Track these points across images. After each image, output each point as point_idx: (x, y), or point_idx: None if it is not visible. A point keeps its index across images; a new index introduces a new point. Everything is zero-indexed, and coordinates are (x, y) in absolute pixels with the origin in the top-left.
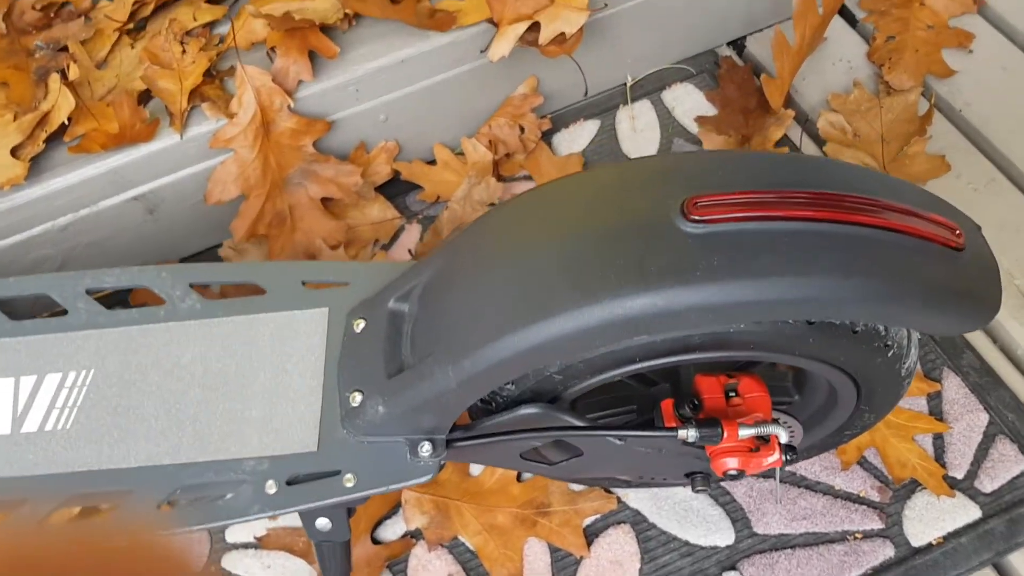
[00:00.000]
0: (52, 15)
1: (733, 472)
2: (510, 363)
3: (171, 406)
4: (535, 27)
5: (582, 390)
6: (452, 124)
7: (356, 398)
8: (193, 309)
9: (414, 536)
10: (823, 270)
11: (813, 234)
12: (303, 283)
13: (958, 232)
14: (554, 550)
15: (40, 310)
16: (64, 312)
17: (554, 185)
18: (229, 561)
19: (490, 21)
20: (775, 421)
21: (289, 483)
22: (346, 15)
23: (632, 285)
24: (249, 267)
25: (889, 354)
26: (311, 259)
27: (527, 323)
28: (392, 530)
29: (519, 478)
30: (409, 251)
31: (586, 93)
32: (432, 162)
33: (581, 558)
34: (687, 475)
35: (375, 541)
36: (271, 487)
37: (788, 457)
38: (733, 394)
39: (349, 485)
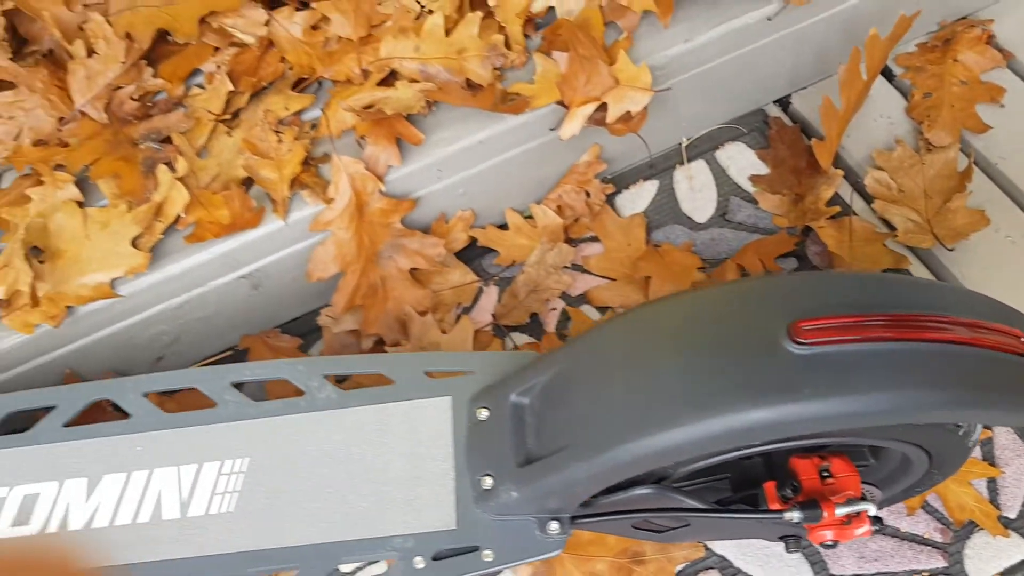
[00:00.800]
0: (150, 105)
1: (829, 543)
2: (636, 463)
3: (321, 489)
4: (602, 106)
5: (689, 472)
6: (522, 192)
7: (487, 482)
8: (330, 399)
9: None
10: (912, 384)
11: (902, 352)
12: (426, 373)
13: (1022, 339)
14: None
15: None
16: (213, 404)
17: (667, 301)
18: None
19: (559, 103)
20: (863, 498)
21: (435, 559)
22: (427, 101)
23: (748, 401)
24: (377, 359)
25: (960, 433)
26: (402, 325)
27: (653, 432)
28: None
29: None
30: (492, 315)
31: (650, 163)
32: (504, 226)
33: None
34: (781, 537)
35: None
36: (419, 562)
37: (876, 528)
38: (827, 474)
39: (488, 560)
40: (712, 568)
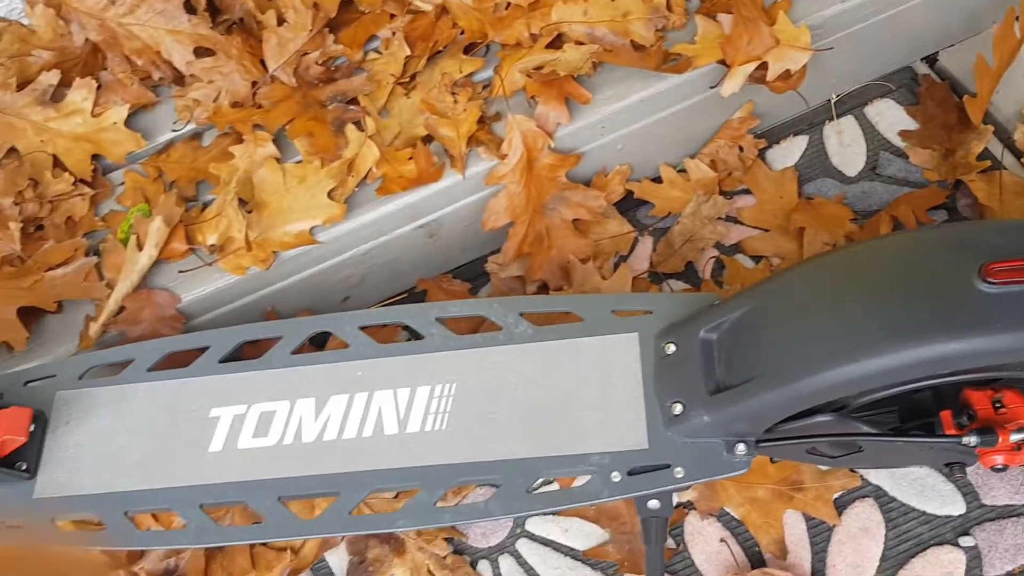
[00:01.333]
0: (332, 69)
1: (999, 467)
2: (828, 391)
3: (522, 411)
4: (762, 65)
5: (865, 403)
6: (676, 147)
7: (677, 408)
8: (526, 334)
9: (686, 507)
10: None
11: None
12: (613, 312)
13: None
14: (809, 519)
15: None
16: (420, 337)
17: (858, 246)
18: (532, 524)
19: (720, 62)
20: None
21: (630, 473)
22: (593, 62)
23: (943, 334)
24: (568, 299)
25: None
26: (564, 272)
27: (848, 361)
28: None
29: (772, 460)
30: (650, 262)
31: (801, 119)
32: (658, 180)
33: (834, 526)
34: (947, 464)
35: None
36: (616, 476)
37: None
38: (999, 405)
39: (679, 476)
40: (868, 496)
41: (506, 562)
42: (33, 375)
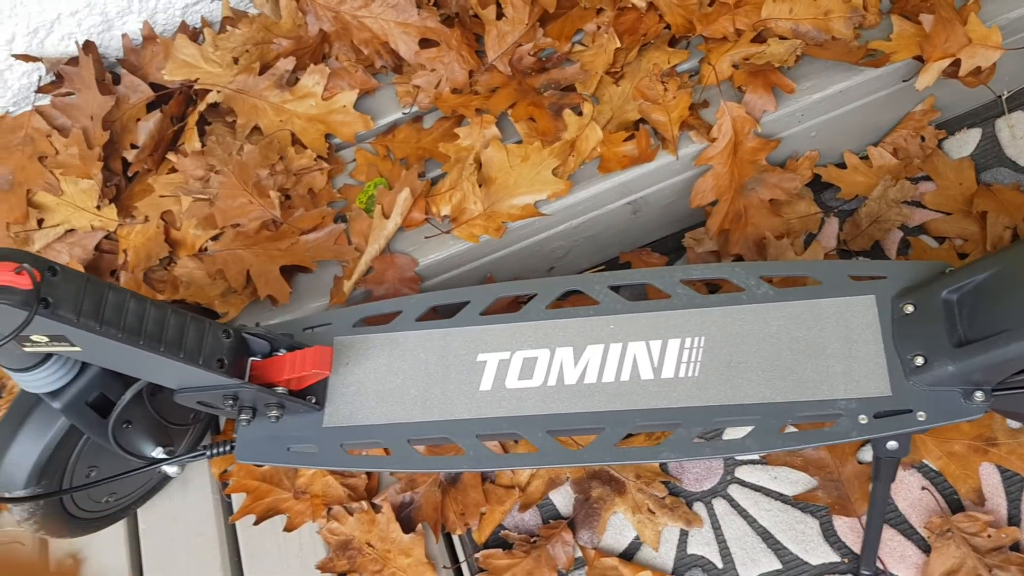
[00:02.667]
0: (543, 59)
1: None
2: None
3: (770, 362)
4: (955, 62)
5: None
6: (861, 135)
7: (919, 360)
8: (767, 295)
9: None
10: None
11: None
12: (849, 276)
13: None
14: (1003, 471)
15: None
16: (667, 296)
17: None
18: (741, 472)
19: (916, 57)
20: None
21: (876, 416)
22: (796, 55)
23: None
24: (806, 265)
25: None
26: (759, 247)
27: None
28: (869, 453)
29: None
30: (842, 240)
31: (980, 114)
32: (842, 165)
33: None
34: None
35: (858, 462)
36: (863, 419)
37: None
38: None
39: (921, 419)
40: None
41: (720, 504)
42: (310, 323)
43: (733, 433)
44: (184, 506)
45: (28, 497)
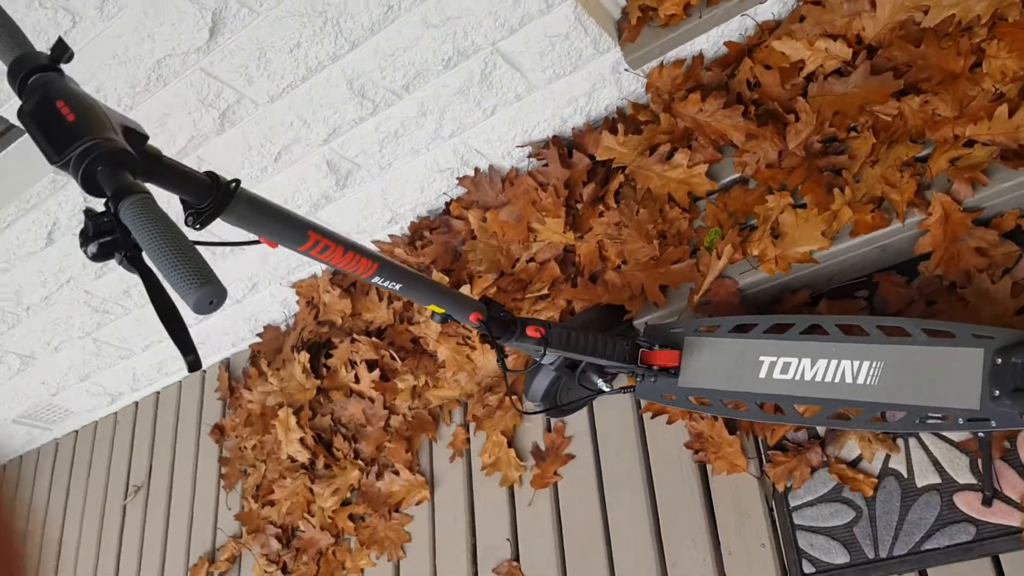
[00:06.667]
0: (826, 145)
1: None
2: None
3: (917, 380)
4: None
5: None
6: None
7: (996, 392)
8: (922, 339)
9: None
10: None
11: None
12: (972, 335)
13: None
14: None
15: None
16: (866, 334)
17: None
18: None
19: None
20: None
21: (968, 420)
22: (992, 158)
23: None
24: (947, 324)
25: None
26: (967, 278)
27: None
28: None
29: None
30: None
31: None
32: None
33: None
34: None
35: None
36: (961, 421)
37: None
38: None
39: (992, 425)
40: None
41: (911, 440)
42: (671, 327)
43: (891, 417)
44: (611, 410)
45: (540, 411)
